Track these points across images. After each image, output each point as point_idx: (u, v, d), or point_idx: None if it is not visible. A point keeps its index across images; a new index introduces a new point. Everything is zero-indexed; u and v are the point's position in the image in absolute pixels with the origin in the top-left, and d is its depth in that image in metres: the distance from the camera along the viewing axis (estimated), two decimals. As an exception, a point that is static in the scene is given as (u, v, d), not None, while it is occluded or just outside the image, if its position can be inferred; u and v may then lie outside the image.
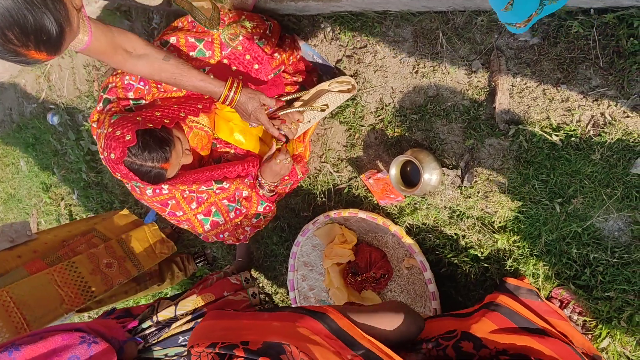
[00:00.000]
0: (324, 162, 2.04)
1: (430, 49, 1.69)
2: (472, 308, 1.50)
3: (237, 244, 2.45)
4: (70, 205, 3.45)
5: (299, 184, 2.12)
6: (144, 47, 1.54)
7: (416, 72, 1.74)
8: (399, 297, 1.95)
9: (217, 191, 1.79)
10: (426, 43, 1.70)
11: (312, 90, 1.84)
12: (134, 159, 1.53)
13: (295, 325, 1.12)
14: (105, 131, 1.55)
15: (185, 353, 1.76)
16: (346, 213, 1.89)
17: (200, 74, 1.61)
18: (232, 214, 1.86)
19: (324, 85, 1.84)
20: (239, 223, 1.92)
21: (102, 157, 1.59)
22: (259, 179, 1.81)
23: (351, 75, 1.88)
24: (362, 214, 1.86)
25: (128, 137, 1.48)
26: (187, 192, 1.76)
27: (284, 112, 1.74)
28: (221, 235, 1.94)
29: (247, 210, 1.88)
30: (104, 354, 1.50)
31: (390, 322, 1.26)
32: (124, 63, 1.54)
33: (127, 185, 1.80)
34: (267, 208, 1.88)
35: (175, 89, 1.76)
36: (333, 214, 1.92)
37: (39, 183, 3.63)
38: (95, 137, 1.72)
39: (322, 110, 1.84)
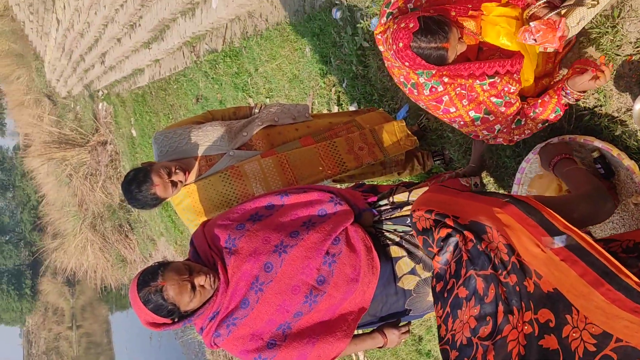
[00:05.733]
0: (571, 86, 2.07)
1: None
2: None
3: (474, 148, 2.66)
4: (339, 92, 4.01)
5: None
6: None
7: (692, 4, 1.64)
8: (619, 230, 1.98)
9: (487, 87, 1.92)
10: None
11: None
12: (419, 42, 1.77)
13: (501, 210, 1.26)
14: (392, 29, 1.84)
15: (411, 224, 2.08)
16: (581, 139, 1.94)
17: None
18: (502, 108, 1.98)
19: None
20: (522, 123, 2.04)
21: (390, 54, 1.86)
22: (565, 88, 1.89)
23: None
24: (598, 143, 1.89)
25: (412, 25, 1.76)
26: (459, 89, 1.95)
27: (553, 13, 1.80)
28: (492, 128, 2.05)
29: (537, 114, 1.99)
30: (345, 214, 1.94)
31: (582, 208, 1.39)
32: None
33: (404, 89, 2.07)
34: (557, 117, 1.97)
35: None
36: (568, 137, 1.99)
37: (318, 69, 4.24)
38: (382, 47, 2.03)
39: (593, 5, 1.82)
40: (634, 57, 1.82)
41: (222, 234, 1.89)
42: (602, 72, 1.76)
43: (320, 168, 2.36)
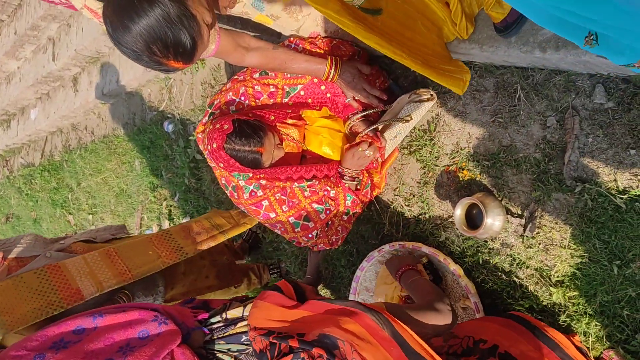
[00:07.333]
0: (397, 195, 2.16)
1: (509, 101, 1.77)
2: (537, 322, 1.50)
3: (310, 259, 2.61)
4: (171, 206, 3.81)
5: (371, 213, 2.24)
6: (256, 42, 1.80)
7: (493, 121, 1.82)
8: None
9: (308, 193, 1.94)
10: (506, 95, 1.78)
11: (394, 104, 1.97)
12: (232, 144, 1.76)
13: (351, 320, 1.15)
14: (208, 129, 1.81)
15: (247, 343, 1.89)
16: (410, 245, 1.99)
17: (305, 55, 1.84)
18: (322, 215, 2.00)
19: (404, 98, 1.96)
20: (330, 224, 2.05)
21: (206, 154, 1.83)
22: (340, 169, 1.95)
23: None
24: (425, 249, 1.94)
25: (226, 127, 1.74)
26: (279, 195, 1.94)
27: (371, 128, 1.89)
28: (310, 235, 2.05)
29: (336, 208, 2.01)
30: (171, 334, 1.70)
31: (431, 321, 1.33)
32: (242, 58, 1.79)
33: (226, 191, 2.02)
34: (354, 202, 1.99)
35: (271, 102, 1.98)
36: (398, 244, 2.03)
37: (148, 182, 4.03)
38: (201, 146, 1.97)
39: (407, 121, 1.93)
40: (450, 168, 1.96)
41: (14, 368, 1.52)
42: (361, 142, 1.88)
43: (156, 255, 2.10)
